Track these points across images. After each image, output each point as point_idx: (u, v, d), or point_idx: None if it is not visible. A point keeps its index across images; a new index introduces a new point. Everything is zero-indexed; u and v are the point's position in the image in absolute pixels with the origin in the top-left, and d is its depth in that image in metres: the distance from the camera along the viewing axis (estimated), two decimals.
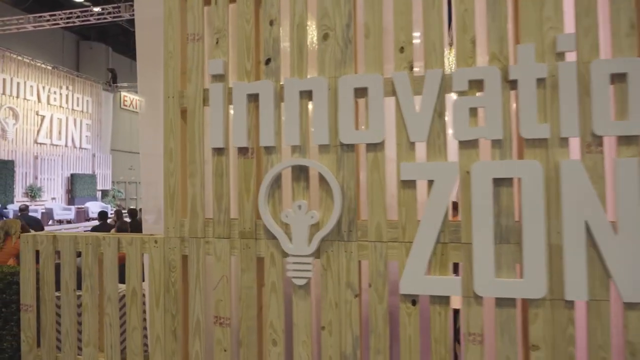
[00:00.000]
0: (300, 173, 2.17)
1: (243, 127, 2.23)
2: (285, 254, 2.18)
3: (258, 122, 2.23)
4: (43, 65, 16.74)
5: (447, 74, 2.03)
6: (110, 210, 16.73)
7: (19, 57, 15.68)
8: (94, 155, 19.28)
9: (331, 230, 2.10)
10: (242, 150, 2.25)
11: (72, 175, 17.76)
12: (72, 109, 18.25)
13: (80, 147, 18.63)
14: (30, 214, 10.50)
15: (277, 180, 2.20)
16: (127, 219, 9.57)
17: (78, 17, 13.21)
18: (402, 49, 2.09)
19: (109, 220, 8.87)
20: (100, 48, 21.35)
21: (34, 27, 13.69)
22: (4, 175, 14.34)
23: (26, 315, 2.54)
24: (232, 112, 2.31)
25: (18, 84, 15.62)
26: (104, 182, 19.69)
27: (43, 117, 16.72)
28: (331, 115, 2.13)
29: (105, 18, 13.17)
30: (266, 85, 2.20)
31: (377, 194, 2.08)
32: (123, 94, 22.56)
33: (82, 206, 16.45)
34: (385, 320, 2.06)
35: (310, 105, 2.20)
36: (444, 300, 2.00)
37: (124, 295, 2.48)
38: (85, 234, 2.51)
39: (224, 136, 2.26)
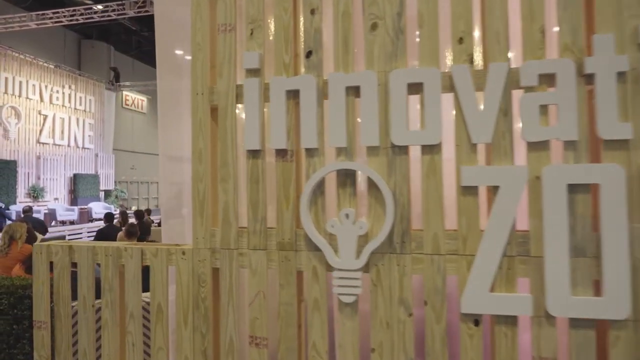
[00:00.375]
0: (347, 178, 1.96)
1: (282, 127, 2.01)
2: (329, 268, 1.96)
3: (298, 121, 2.02)
4: (45, 64, 16.50)
5: (513, 68, 1.82)
6: (113, 211, 16.53)
7: (21, 56, 15.44)
8: (96, 155, 19.02)
9: (383, 241, 1.89)
10: (281, 153, 2.04)
11: (74, 175, 17.52)
12: (75, 108, 17.99)
13: (83, 147, 18.37)
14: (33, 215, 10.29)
15: (319, 186, 1.98)
16: (132, 220, 9.36)
17: (82, 14, 12.96)
18: (461, 40, 1.87)
19: (114, 222, 8.65)
20: (102, 47, 21.09)
21: (37, 24, 13.44)
22: (7, 176, 14.08)
23: (39, 333, 2.33)
24: (267, 110, 2.10)
25: (20, 82, 15.36)
26: (106, 182, 19.45)
27: (45, 117, 16.46)
28: (381, 113, 1.92)
29: (109, 16, 12.92)
30: (308, 81, 1.99)
31: (433, 201, 1.87)
32: (125, 93, 22.32)
33: (85, 207, 16.21)
34: (443, 341, 1.85)
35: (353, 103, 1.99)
36: (511, 320, 1.79)
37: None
38: (105, 244, 2.30)
39: (259, 137, 2.04)
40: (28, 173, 15.62)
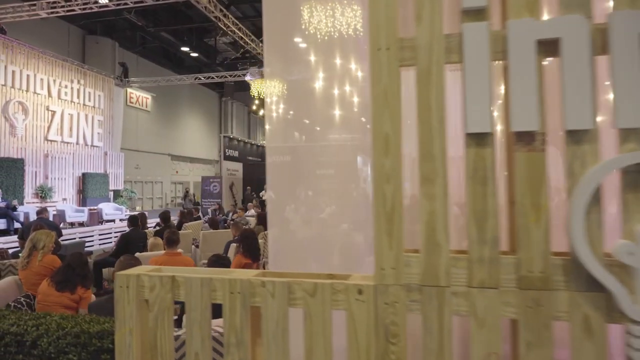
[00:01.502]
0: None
1: (529, 99, 1.29)
2: (611, 318, 1.25)
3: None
4: (53, 58, 15.71)
5: None
6: (124, 212, 15.74)
7: (29, 49, 14.64)
8: (105, 154, 18.23)
9: None
10: (525, 138, 1.32)
11: (83, 174, 16.73)
12: (84, 104, 17.15)
13: (92, 145, 17.55)
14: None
15: (596, 191, 1.27)
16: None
17: (96, 2, 12.15)
18: None
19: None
20: (107, 43, 20.45)
21: (48, 14, 12.64)
22: (14, 175, 13.24)
23: None
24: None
25: (28, 76, 14.53)
26: (115, 182, 18.66)
27: (54, 113, 15.63)
28: None
29: (126, 4, 12.12)
30: (573, 24, 1.27)
31: None
32: (129, 90, 21.65)
33: (95, 207, 15.42)
34: None
35: None
36: None
37: None
38: (227, 273, 1.58)
39: (488, 114, 1.33)
40: (35, 172, 14.80)
